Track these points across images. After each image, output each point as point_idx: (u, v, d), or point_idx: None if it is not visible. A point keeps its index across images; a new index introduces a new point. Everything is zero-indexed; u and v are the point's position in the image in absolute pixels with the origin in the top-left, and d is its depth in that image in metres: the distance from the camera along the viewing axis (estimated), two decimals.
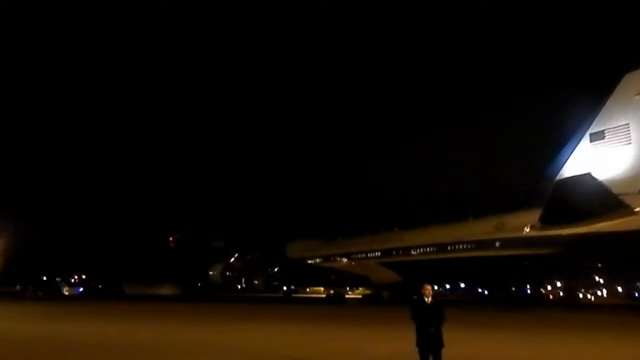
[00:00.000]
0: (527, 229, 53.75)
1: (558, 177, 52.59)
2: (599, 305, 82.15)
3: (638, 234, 45.20)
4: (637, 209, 46.12)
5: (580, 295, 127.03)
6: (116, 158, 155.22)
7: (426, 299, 11.43)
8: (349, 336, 24.33)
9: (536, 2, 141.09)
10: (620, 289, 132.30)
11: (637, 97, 51.63)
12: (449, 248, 61.35)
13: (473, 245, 58.96)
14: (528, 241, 53.96)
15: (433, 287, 11.94)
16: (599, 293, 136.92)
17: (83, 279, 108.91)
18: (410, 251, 66.71)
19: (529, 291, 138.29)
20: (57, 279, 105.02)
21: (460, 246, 60.12)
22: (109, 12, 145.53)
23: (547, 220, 51.36)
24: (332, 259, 79.12)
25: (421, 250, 65.37)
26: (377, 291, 74.63)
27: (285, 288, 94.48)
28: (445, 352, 11.26)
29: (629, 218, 46.10)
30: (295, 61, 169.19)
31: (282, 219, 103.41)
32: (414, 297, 11.89)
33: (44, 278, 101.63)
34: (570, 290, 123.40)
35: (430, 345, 11.12)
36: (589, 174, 46.74)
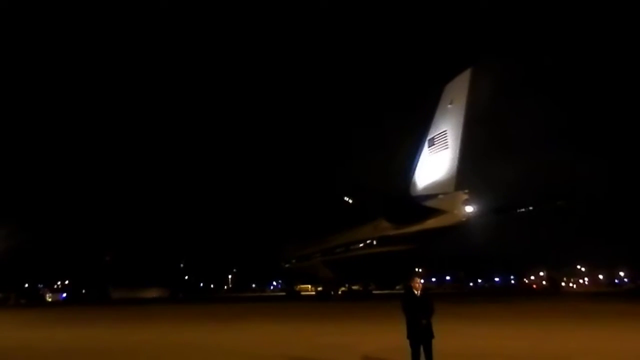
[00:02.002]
0: (388, 229, 61.88)
1: (412, 182, 62.50)
2: (582, 294, 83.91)
3: (449, 229, 55.47)
4: (449, 208, 54.87)
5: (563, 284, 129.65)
6: (97, 162, 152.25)
7: (416, 292, 11.58)
8: (336, 332, 24.47)
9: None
10: (601, 277, 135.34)
11: (450, 106, 59.12)
12: (350, 248, 69.82)
13: (362, 245, 67.18)
14: (389, 239, 61.46)
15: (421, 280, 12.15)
16: (580, 281, 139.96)
17: (66, 284, 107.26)
18: (333, 251, 74.97)
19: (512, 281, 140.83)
20: (39, 285, 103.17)
21: (357, 245, 68.53)
22: (108, 11, 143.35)
23: (396, 221, 59.98)
24: (298, 260, 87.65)
25: (337, 250, 73.83)
26: (326, 287, 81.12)
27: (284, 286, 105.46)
28: (436, 344, 11.43)
29: (444, 216, 54.81)
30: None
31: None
32: (404, 290, 12.05)
33: (26, 285, 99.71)
34: (553, 280, 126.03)
35: (421, 337, 11.28)
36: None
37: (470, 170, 59.00)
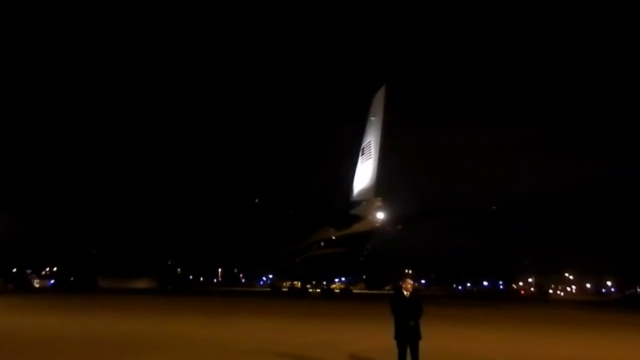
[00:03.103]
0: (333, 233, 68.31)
1: (351, 189, 68.42)
2: (569, 301, 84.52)
3: (367, 233, 62.07)
4: (366, 215, 61.01)
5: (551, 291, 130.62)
6: (88, 150, 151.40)
7: (405, 293, 11.54)
8: (326, 329, 24.46)
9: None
10: (588, 286, 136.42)
11: (372, 118, 64.34)
12: (311, 248, 75.28)
13: (316, 246, 73.24)
14: (330, 242, 68.43)
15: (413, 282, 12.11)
16: (568, 289, 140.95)
17: (54, 271, 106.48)
18: (302, 251, 79.29)
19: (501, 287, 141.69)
20: (27, 271, 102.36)
21: (313, 246, 74.30)
22: (107, 11, 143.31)
23: (335, 226, 66.78)
24: (286, 258, 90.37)
25: (304, 250, 78.76)
26: (304, 284, 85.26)
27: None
28: (422, 345, 11.39)
29: (363, 222, 61.30)
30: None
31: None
32: (394, 290, 12.02)
33: (14, 270, 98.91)
34: (540, 286, 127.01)
35: (408, 338, 11.24)
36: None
37: (389, 179, 66.41)
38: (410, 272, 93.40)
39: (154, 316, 31.20)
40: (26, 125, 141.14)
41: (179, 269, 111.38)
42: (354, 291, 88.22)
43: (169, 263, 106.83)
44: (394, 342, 11.45)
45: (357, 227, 61.62)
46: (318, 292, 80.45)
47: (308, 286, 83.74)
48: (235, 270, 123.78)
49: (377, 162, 62.71)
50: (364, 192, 64.29)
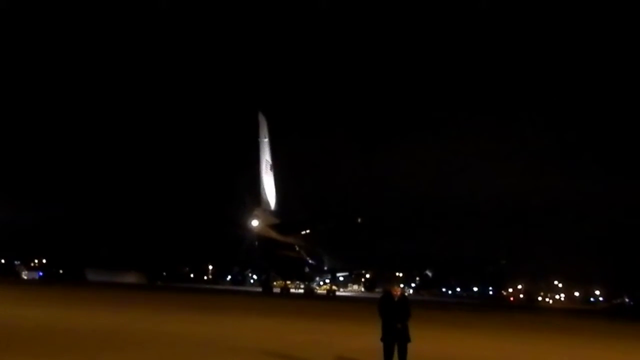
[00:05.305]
0: None
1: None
2: (557, 310, 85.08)
3: (256, 237, 73.58)
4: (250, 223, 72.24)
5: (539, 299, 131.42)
6: (79, 145, 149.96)
7: (394, 296, 11.58)
8: (316, 330, 24.42)
9: None
10: (577, 294, 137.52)
11: (260, 138, 77.48)
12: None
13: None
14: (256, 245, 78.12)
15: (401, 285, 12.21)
16: (556, 297, 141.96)
17: (43, 263, 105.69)
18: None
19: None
20: (15, 262, 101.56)
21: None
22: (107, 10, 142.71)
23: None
24: None
25: None
26: (285, 283, 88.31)
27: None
28: (410, 348, 11.43)
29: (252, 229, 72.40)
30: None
31: None
32: (382, 293, 12.11)
33: (2, 261, 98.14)
34: (529, 294, 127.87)
35: (395, 339, 11.28)
36: None
37: (278, 191, 79.61)
38: (400, 275, 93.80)
39: (141, 311, 31.00)
40: (22, 121, 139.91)
41: (171, 265, 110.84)
42: (348, 293, 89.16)
43: (162, 259, 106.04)
44: (381, 344, 11.49)
45: (252, 233, 73.67)
46: (301, 291, 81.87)
47: (290, 285, 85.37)
48: (238, 269, 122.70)
49: (264, 175, 76.31)
50: (265, 202, 77.41)
